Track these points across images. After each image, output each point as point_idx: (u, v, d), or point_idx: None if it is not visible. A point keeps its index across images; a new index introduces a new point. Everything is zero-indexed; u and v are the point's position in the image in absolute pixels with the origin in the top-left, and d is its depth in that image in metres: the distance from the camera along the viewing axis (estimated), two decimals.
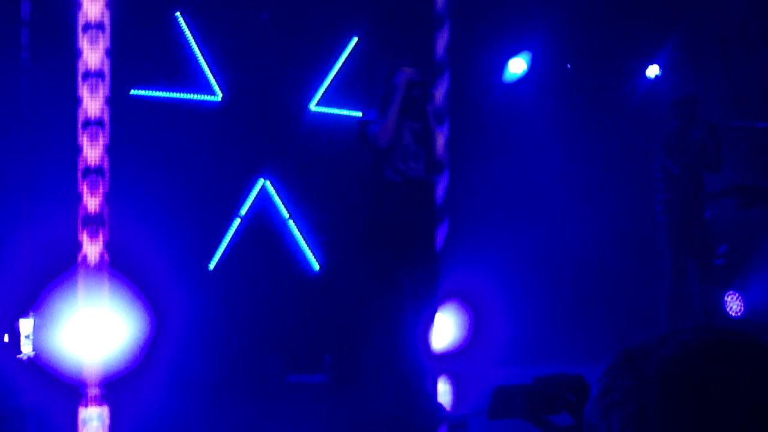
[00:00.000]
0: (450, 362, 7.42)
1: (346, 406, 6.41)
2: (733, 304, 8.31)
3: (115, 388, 6.42)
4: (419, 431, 5.14)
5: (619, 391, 1.02)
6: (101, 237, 6.74)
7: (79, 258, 6.68)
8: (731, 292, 8.29)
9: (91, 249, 6.71)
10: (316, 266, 7.69)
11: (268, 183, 7.64)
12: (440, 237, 5.29)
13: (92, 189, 6.75)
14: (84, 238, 6.70)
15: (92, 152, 6.75)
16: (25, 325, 6.28)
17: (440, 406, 5.24)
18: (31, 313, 6.35)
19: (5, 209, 6.49)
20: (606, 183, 8.62)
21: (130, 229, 6.79)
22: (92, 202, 6.74)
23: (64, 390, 6.20)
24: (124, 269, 6.74)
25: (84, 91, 6.73)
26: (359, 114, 5.54)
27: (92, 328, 6.55)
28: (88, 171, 6.74)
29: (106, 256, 6.73)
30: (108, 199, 6.78)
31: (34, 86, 6.73)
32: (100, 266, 6.72)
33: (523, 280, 8.15)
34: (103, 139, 6.79)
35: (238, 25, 7.62)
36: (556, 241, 8.49)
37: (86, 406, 6.07)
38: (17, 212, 6.59)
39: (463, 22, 8.20)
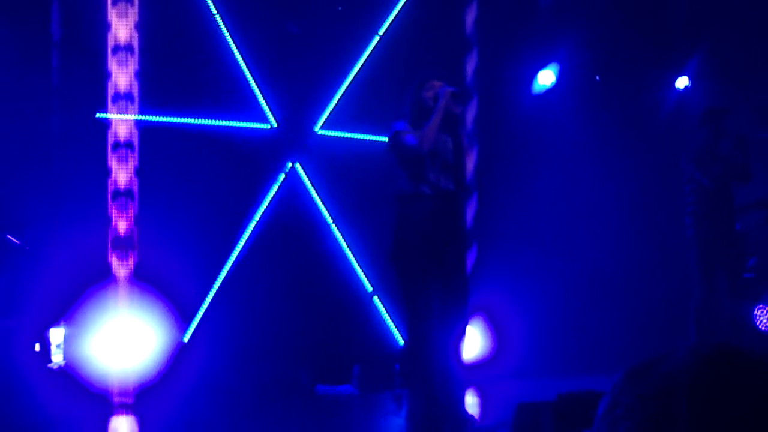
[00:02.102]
0: (475, 373, 7.41)
1: (375, 418, 6.42)
2: (763, 318, 8.22)
3: (145, 397, 6.48)
4: None
5: (622, 407, 1.07)
6: (131, 254, 6.83)
7: (110, 268, 6.76)
8: (761, 305, 8.21)
9: (121, 260, 6.80)
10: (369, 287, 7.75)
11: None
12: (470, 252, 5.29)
13: (122, 212, 6.86)
14: (114, 256, 6.79)
15: (121, 174, 6.89)
16: (56, 335, 6.34)
17: (471, 416, 5.23)
18: (62, 323, 6.42)
19: (37, 218, 6.56)
20: (634, 196, 8.58)
21: (158, 242, 6.86)
22: (122, 225, 6.84)
23: (94, 399, 6.27)
24: (153, 280, 6.80)
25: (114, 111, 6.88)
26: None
27: (122, 338, 6.61)
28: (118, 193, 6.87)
29: (135, 265, 6.81)
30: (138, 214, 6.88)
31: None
32: (129, 277, 6.79)
33: (547, 294, 8.14)
34: (132, 161, 6.92)
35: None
36: (580, 253, 8.46)
37: (116, 415, 6.13)
38: (49, 221, 6.67)
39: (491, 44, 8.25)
